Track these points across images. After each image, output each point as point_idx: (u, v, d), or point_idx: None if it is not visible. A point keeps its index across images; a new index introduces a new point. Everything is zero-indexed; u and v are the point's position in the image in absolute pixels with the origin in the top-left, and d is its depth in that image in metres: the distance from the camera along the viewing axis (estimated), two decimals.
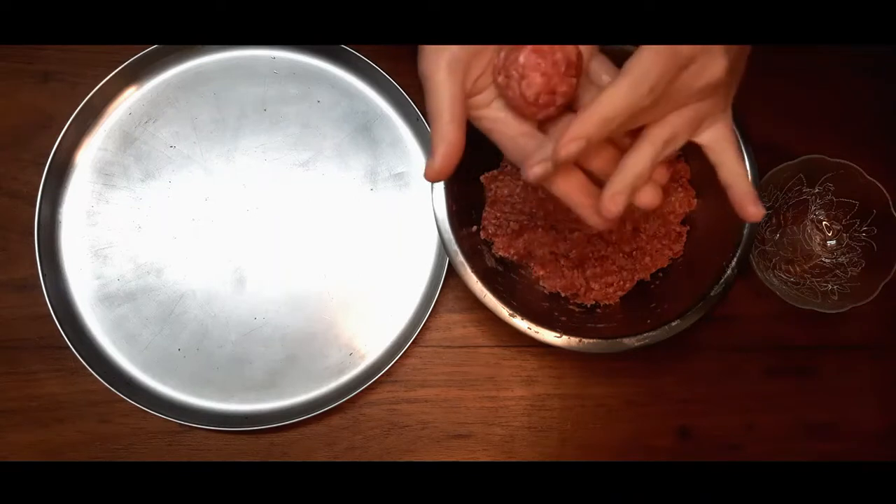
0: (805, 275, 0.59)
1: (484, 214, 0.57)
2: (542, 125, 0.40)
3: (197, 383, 0.58)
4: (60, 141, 0.58)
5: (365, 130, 0.61)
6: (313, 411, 0.56)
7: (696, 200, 0.57)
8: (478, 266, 0.52)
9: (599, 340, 0.51)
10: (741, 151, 0.39)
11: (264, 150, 0.61)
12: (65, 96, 0.60)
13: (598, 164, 0.38)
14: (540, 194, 0.56)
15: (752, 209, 0.38)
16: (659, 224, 0.56)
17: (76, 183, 0.60)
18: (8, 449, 0.57)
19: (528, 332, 0.50)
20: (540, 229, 0.57)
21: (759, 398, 0.59)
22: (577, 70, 0.38)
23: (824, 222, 0.59)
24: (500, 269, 0.56)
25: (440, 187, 0.51)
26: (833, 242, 0.59)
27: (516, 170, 0.57)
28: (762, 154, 0.52)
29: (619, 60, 0.36)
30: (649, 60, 0.33)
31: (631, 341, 0.50)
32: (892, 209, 0.54)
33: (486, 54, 0.39)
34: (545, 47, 0.37)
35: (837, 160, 0.56)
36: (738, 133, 0.51)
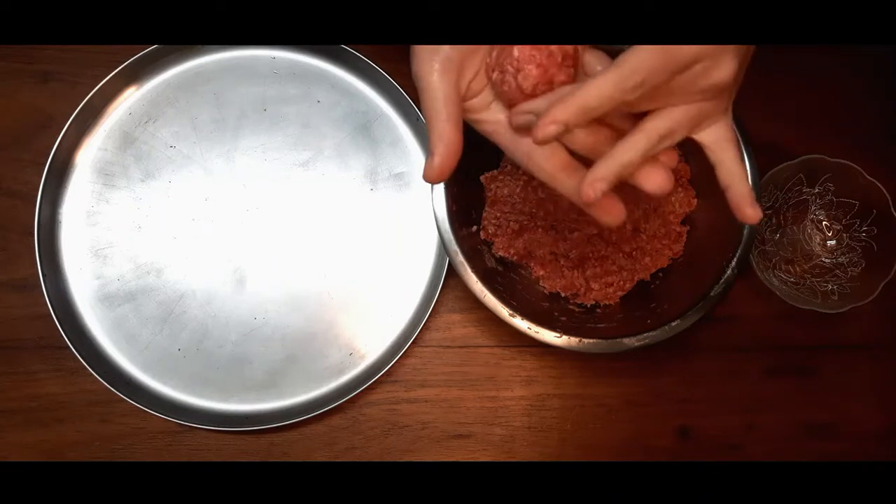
0: (805, 275, 0.59)
1: (484, 214, 0.57)
2: None
3: (197, 383, 0.58)
4: (60, 141, 0.58)
5: (365, 130, 0.61)
6: (313, 411, 0.56)
7: (696, 200, 0.57)
8: (478, 266, 0.52)
9: (599, 340, 0.51)
10: (741, 152, 0.38)
11: (264, 150, 0.61)
12: (65, 96, 0.60)
13: (588, 142, 0.38)
14: (540, 194, 0.56)
15: (749, 211, 0.38)
16: (659, 224, 0.56)
17: (76, 183, 0.60)
18: (8, 449, 0.57)
19: (528, 332, 0.50)
20: (540, 229, 0.57)
21: (759, 398, 0.59)
22: (574, 60, 0.38)
23: (824, 222, 0.59)
24: (500, 269, 0.56)
25: (440, 187, 0.51)
26: (833, 242, 0.59)
27: (516, 170, 0.57)
28: (762, 154, 0.52)
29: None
30: (641, 58, 0.33)
31: (631, 341, 0.50)
32: (892, 209, 0.54)
33: (479, 55, 0.39)
34: None
35: (837, 160, 0.56)
36: (738, 133, 0.51)
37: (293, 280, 0.59)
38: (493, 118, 0.40)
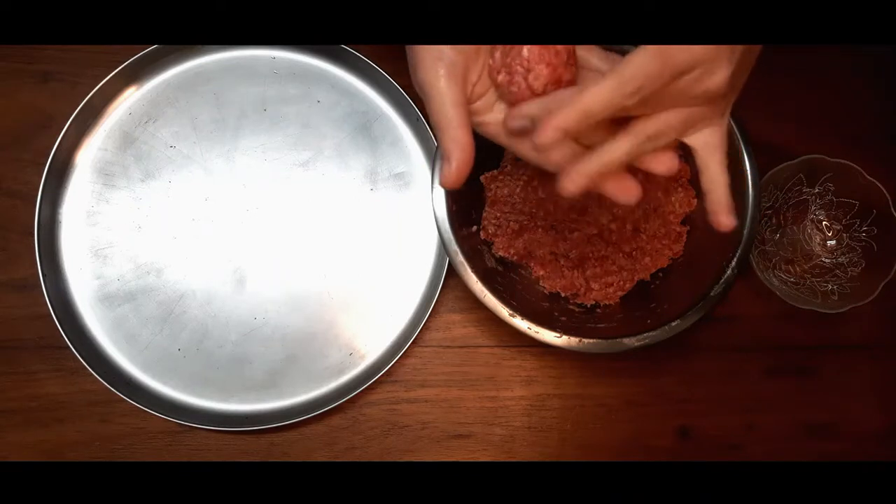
0: (805, 275, 0.59)
1: (484, 214, 0.57)
2: None
3: (197, 383, 0.58)
4: (60, 141, 0.58)
5: (365, 130, 0.61)
6: (313, 411, 0.56)
7: (696, 200, 0.57)
8: (478, 266, 0.52)
9: (599, 340, 0.51)
10: (726, 160, 0.39)
11: (264, 150, 0.61)
12: (65, 96, 0.60)
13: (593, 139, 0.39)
14: (540, 194, 0.56)
15: (724, 219, 0.39)
16: (659, 224, 0.56)
17: (76, 183, 0.60)
18: (8, 449, 0.57)
19: (528, 332, 0.50)
20: (540, 229, 0.57)
21: (759, 398, 0.59)
22: (575, 57, 0.38)
23: (824, 222, 0.59)
24: (500, 269, 0.56)
25: (440, 187, 0.51)
26: (833, 242, 0.59)
27: (516, 170, 0.57)
28: (762, 154, 0.52)
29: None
30: (640, 63, 0.34)
31: (631, 341, 0.50)
32: (892, 209, 0.54)
33: (482, 58, 0.39)
34: None
35: (837, 160, 0.56)
36: (738, 133, 0.51)
37: (293, 280, 0.59)
38: (496, 119, 0.40)
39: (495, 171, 0.57)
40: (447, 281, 0.58)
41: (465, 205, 0.54)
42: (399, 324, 0.59)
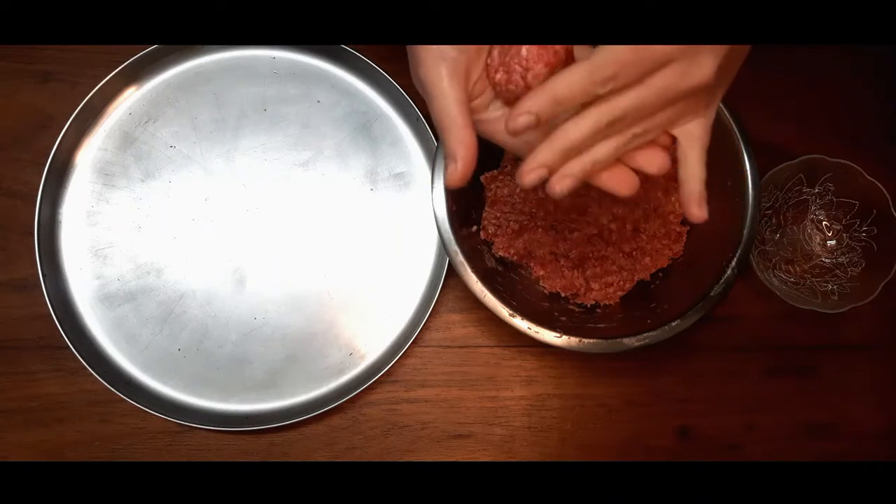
0: (805, 275, 0.59)
1: (484, 214, 0.57)
2: None
3: (197, 383, 0.58)
4: (60, 141, 0.58)
5: (365, 130, 0.61)
6: (313, 411, 0.56)
7: None
8: (478, 266, 0.52)
9: (599, 340, 0.51)
10: (705, 153, 0.39)
11: (264, 150, 0.61)
12: (65, 96, 0.60)
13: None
14: (540, 194, 0.56)
15: (695, 210, 0.39)
16: (659, 224, 0.56)
17: (76, 183, 0.60)
18: (8, 449, 0.57)
19: (528, 332, 0.50)
20: (540, 229, 0.57)
21: (759, 398, 0.59)
22: (573, 57, 0.39)
23: (824, 222, 0.59)
24: (500, 269, 0.56)
25: (440, 187, 0.51)
26: (833, 242, 0.59)
27: (516, 170, 0.57)
28: (762, 154, 0.52)
29: None
30: (613, 52, 0.33)
31: (631, 341, 0.50)
32: (892, 209, 0.54)
33: (483, 56, 0.39)
34: None
35: (837, 160, 0.56)
36: (738, 133, 0.51)
37: (293, 280, 0.59)
38: (493, 117, 0.40)
39: (495, 171, 0.57)
40: (447, 281, 0.58)
41: (465, 205, 0.54)
42: (399, 324, 0.59)
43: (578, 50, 0.40)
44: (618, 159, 0.38)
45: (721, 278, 0.51)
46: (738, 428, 0.59)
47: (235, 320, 0.59)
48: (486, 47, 0.39)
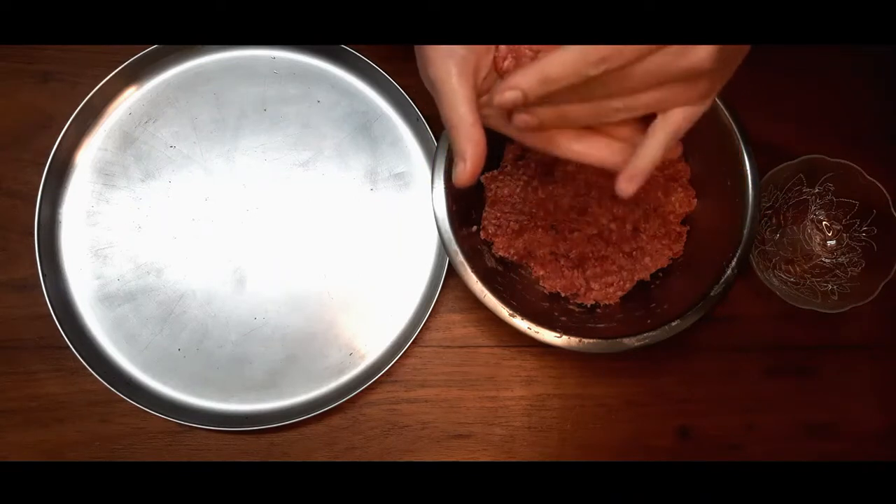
0: (805, 275, 0.59)
1: (484, 214, 0.57)
2: None
3: (197, 383, 0.58)
4: (60, 141, 0.58)
5: (365, 130, 0.61)
6: (313, 411, 0.56)
7: (695, 200, 0.57)
8: (478, 266, 0.52)
9: (599, 340, 0.51)
10: (675, 142, 0.37)
11: (264, 150, 0.61)
12: (65, 96, 0.60)
13: (579, 148, 0.38)
14: (540, 194, 0.56)
15: (623, 184, 0.37)
16: (659, 224, 0.56)
17: (76, 183, 0.60)
18: (8, 449, 0.57)
19: (528, 332, 0.50)
20: (540, 229, 0.57)
21: (759, 398, 0.59)
22: None
23: (824, 222, 0.59)
24: (500, 269, 0.56)
25: (440, 187, 0.51)
26: (833, 242, 0.59)
27: (516, 170, 0.57)
28: (762, 154, 0.52)
29: None
30: None
31: (631, 341, 0.50)
32: (892, 209, 0.54)
33: (491, 53, 0.39)
34: None
35: (837, 160, 0.56)
36: (738, 133, 0.51)
37: (293, 280, 0.59)
38: (499, 111, 0.40)
39: (495, 171, 0.57)
40: (447, 281, 0.58)
41: (465, 205, 0.54)
42: (399, 324, 0.59)
43: None
44: (629, 140, 0.38)
45: (721, 278, 0.51)
46: (738, 428, 0.59)
47: (235, 320, 0.59)
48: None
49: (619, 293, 0.57)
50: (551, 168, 0.57)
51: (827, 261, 0.59)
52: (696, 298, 0.51)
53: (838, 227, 0.59)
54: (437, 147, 0.52)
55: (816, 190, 0.59)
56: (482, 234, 0.57)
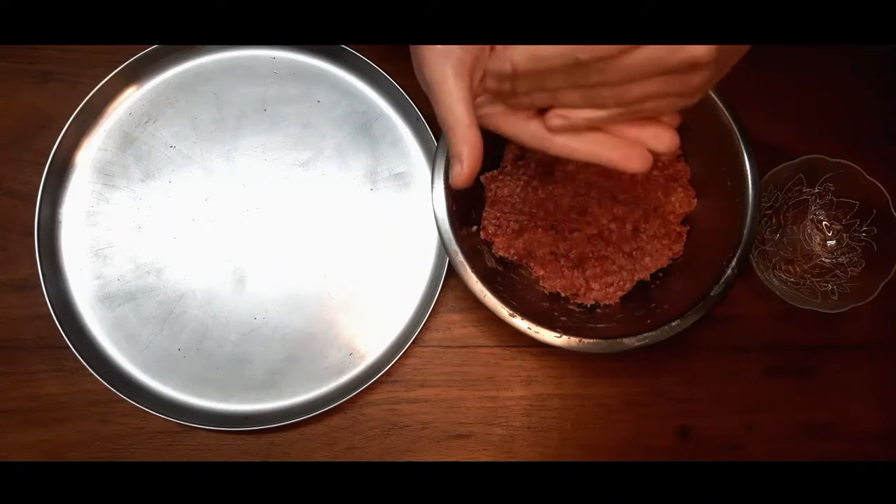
0: (805, 275, 0.59)
1: (484, 214, 0.57)
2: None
3: (197, 383, 0.58)
4: (60, 141, 0.58)
5: (365, 130, 0.61)
6: (313, 411, 0.56)
7: (695, 200, 0.57)
8: (478, 266, 0.52)
9: (599, 340, 0.51)
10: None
11: (264, 150, 0.61)
12: (65, 96, 0.60)
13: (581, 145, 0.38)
14: (540, 194, 0.56)
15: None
16: (659, 224, 0.56)
17: (76, 183, 0.60)
18: (8, 449, 0.57)
19: (528, 332, 0.50)
20: (540, 229, 0.57)
21: (759, 398, 0.59)
22: None
23: (824, 222, 0.59)
24: (500, 269, 0.56)
25: (440, 187, 0.51)
26: (833, 242, 0.59)
27: (516, 170, 0.57)
28: (762, 154, 0.52)
29: None
30: None
31: (631, 341, 0.50)
32: (892, 209, 0.54)
33: (486, 52, 0.39)
34: None
35: (837, 160, 0.56)
36: (738, 133, 0.51)
37: (293, 280, 0.59)
38: (497, 111, 0.40)
39: (495, 171, 0.57)
40: (447, 281, 0.58)
41: (465, 205, 0.54)
42: (399, 324, 0.59)
43: None
44: (622, 135, 0.38)
45: (721, 278, 0.51)
46: (738, 428, 0.59)
47: (235, 320, 0.59)
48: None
49: (619, 293, 0.57)
50: (551, 168, 0.57)
51: (827, 261, 0.59)
52: (696, 298, 0.51)
53: (838, 227, 0.59)
54: (437, 147, 0.52)
55: (816, 190, 0.59)
56: (482, 234, 0.57)
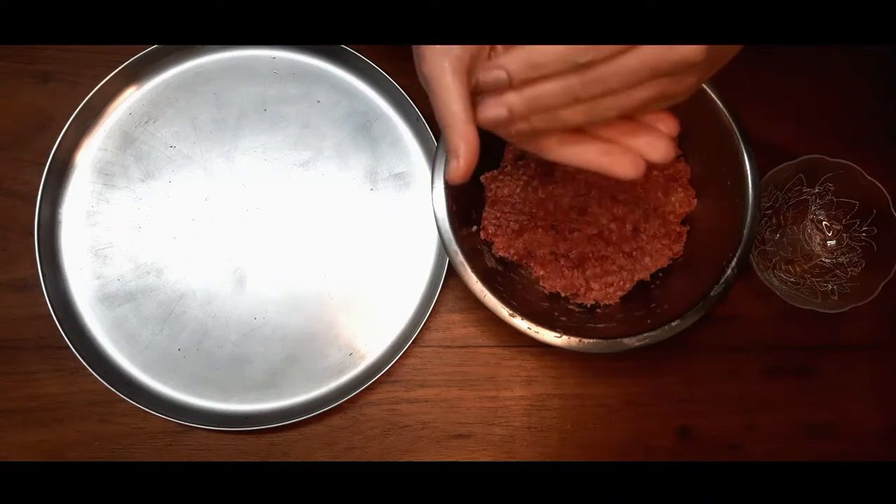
0: (805, 275, 0.59)
1: (484, 214, 0.57)
2: None
3: (197, 383, 0.58)
4: (60, 141, 0.58)
5: (365, 130, 0.61)
6: (313, 411, 0.56)
7: (695, 200, 0.57)
8: (478, 266, 0.52)
9: (599, 340, 0.51)
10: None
11: (264, 150, 0.61)
12: (65, 96, 0.60)
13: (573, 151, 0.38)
14: (540, 194, 0.56)
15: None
16: (659, 224, 0.56)
17: (76, 183, 0.60)
18: (8, 449, 0.57)
19: (528, 332, 0.50)
20: (540, 229, 0.57)
21: (759, 398, 0.59)
22: None
23: (824, 222, 0.59)
24: (500, 269, 0.56)
25: (440, 187, 0.51)
26: (833, 242, 0.59)
27: (516, 170, 0.57)
28: (762, 154, 0.52)
29: None
30: None
31: (631, 341, 0.50)
32: (892, 209, 0.54)
33: (486, 51, 0.39)
34: None
35: (837, 160, 0.56)
36: (738, 133, 0.51)
37: (293, 280, 0.59)
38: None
39: (495, 171, 0.57)
40: (447, 281, 0.58)
41: (465, 205, 0.54)
42: (399, 324, 0.59)
43: None
44: (619, 142, 0.37)
45: (721, 278, 0.51)
46: (738, 428, 0.59)
47: (235, 320, 0.59)
48: None
49: (619, 293, 0.57)
50: (551, 168, 0.57)
51: (827, 261, 0.59)
52: (696, 298, 0.51)
53: (838, 227, 0.59)
54: (437, 147, 0.52)
55: (816, 190, 0.59)
56: (482, 234, 0.57)
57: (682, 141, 0.57)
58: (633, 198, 0.56)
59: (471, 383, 0.59)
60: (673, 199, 0.57)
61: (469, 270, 0.51)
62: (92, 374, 0.55)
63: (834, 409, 0.59)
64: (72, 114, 0.58)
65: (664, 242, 0.57)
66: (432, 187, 0.51)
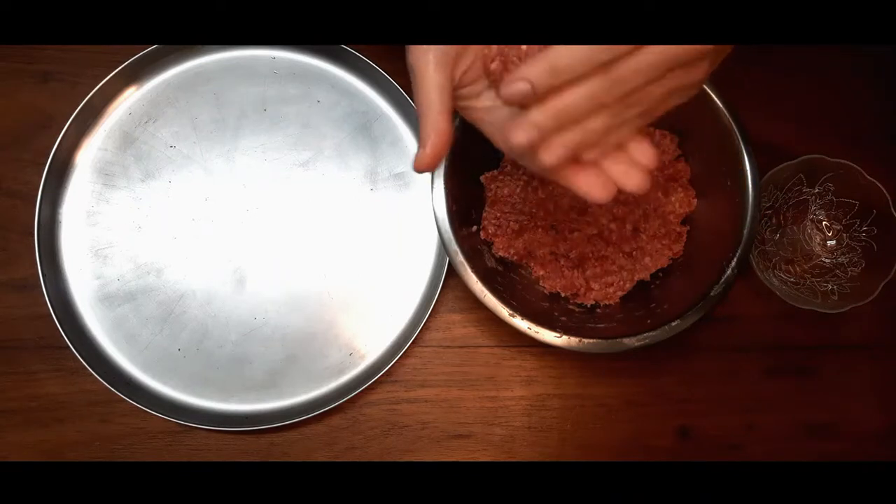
0: (805, 275, 0.59)
1: (484, 214, 0.57)
2: None
3: (197, 383, 0.58)
4: (60, 141, 0.58)
5: (365, 130, 0.61)
6: (313, 411, 0.56)
7: (695, 200, 0.57)
8: (478, 266, 0.52)
9: (599, 340, 0.51)
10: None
11: (264, 150, 0.61)
12: (65, 96, 0.60)
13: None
14: (540, 194, 0.56)
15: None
16: (659, 224, 0.56)
17: (76, 183, 0.60)
18: (8, 449, 0.57)
19: (528, 332, 0.50)
20: (540, 229, 0.57)
21: (759, 398, 0.59)
22: None
23: (824, 222, 0.59)
24: (500, 269, 0.56)
25: (440, 187, 0.51)
26: (833, 242, 0.59)
27: (516, 170, 0.57)
28: (762, 154, 0.52)
29: None
30: None
31: (631, 341, 0.50)
32: (892, 209, 0.54)
33: (474, 47, 0.39)
34: None
35: (837, 160, 0.56)
36: (738, 133, 0.51)
37: (293, 280, 0.59)
38: (482, 105, 0.40)
39: (495, 171, 0.57)
40: (447, 281, 0.58)
41: (465, 205, 0.54)
42: (399, 324, 0.59)
43: None
44: (597, 164, 0.37)
45: (721, 278, 0.51)
46: (738, 428, 0.59)
47: (235, 320, 0.59)
48: None
49: (619, 293, 0.57)
50: None
51: (827, 261, 0.59)
52: (696, 298, 0.51)
53: (838, 227, 0.59)
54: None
55: (816, 190, 0.59)
56: (482, 234, 0.57)
57: (682, 141, 0.57)
58: (633, 198, 0.56)
59: (471, 383, 0.59)
60: (673, 199, 0.57)
61: (469, 270, 0.51)
62: (92, 374, 0.55)
63: (834, 409, 0.59)
64: (72, 114, 0.58)
65: (664, 242, 0.57)
66: (432, 187, 0.51)
